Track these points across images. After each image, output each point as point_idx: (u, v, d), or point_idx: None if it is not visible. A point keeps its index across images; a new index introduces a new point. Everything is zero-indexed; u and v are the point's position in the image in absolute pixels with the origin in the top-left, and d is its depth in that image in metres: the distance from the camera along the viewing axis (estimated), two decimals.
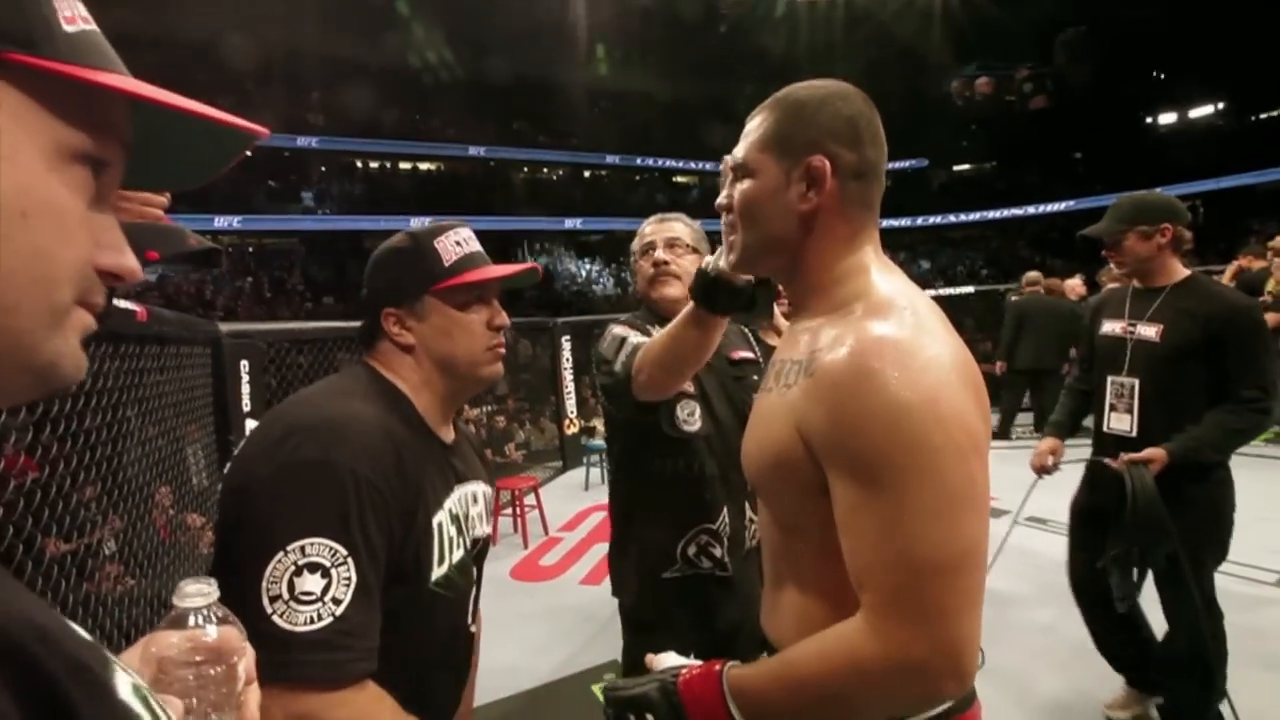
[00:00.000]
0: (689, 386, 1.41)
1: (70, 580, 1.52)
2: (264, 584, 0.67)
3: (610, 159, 22.22)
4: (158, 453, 1.94)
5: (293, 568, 0.67)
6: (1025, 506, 2.56)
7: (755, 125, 0.81)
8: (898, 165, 22.55)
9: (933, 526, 0.62)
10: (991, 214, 20.71)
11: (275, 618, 0.66)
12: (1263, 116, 18.42)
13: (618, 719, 0.75)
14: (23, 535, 1.30)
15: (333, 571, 0.68)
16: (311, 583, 0.67)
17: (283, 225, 17.10)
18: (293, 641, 0.66)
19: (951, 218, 21.78)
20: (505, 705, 2.36)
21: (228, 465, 0.81)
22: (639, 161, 22.66)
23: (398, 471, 0.76)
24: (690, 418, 1.41)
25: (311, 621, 0.66)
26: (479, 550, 0.94)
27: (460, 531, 0.87)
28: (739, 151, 0.81)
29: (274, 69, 17.59)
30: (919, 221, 21.39)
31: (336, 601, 0.68)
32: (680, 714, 0.72)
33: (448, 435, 0.93)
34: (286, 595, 0.66)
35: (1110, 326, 1.98)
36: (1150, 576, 1.92)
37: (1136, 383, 1.89)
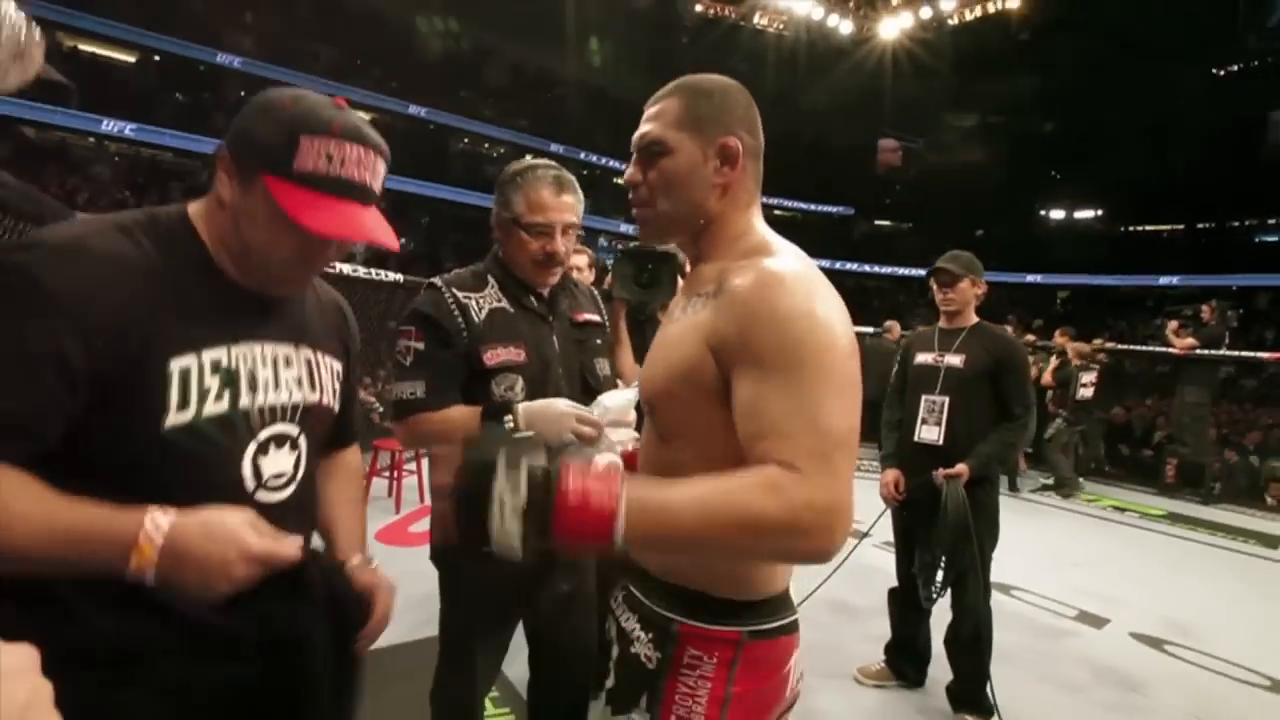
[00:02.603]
0: (517, 355, 1.37)
1: None
2: None
3: (555, 148, 21.93)
4: None
5: None
6: (877, 529, 2.79)
7: (663, 108, 0.90)
8: (827, 208, 23.87)
9: (836, 404, 0.75)
10: (901, 270, 22.36)
11: None
12: (1133, 229, 21.05)
13: (465, 489, 0.73)
14: None
15: None
16: None
17: (183, 144, 15.30)
18: None
19: (867, 267, 23.31)
20: None
21: None
22: (582, 156, 22.52)
23: (111, 292, 0.72)
24: (509, 392, 1.37)
25: None
26: (309, 417, 0.90)
27: (230, 385, 0.80)
28: (652, 132, 0.89)
29: None
30: (837, 265, 22.72)
31: None
32: (544, 515, 0.71)
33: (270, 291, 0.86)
34: None
35: (923, 358, 2.50)
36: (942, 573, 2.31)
37: (947, 399, 2.39)
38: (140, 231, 0.78)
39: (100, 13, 14.42)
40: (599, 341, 1.56)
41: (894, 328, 7.63)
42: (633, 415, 1.32)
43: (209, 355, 0.79)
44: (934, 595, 2.34)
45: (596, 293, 1.69)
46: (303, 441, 0.89)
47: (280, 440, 0.86)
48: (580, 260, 2.47)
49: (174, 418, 0.75)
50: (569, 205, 1.40)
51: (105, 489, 0.70)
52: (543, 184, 1.38)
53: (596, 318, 1.59)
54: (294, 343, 0.90)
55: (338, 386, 0.97)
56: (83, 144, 15.07)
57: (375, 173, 0.83)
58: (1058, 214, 22.96)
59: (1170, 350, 6.84)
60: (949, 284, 2.42)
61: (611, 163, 23.17)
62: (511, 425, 1.26)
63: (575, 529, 0.71)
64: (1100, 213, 21.98)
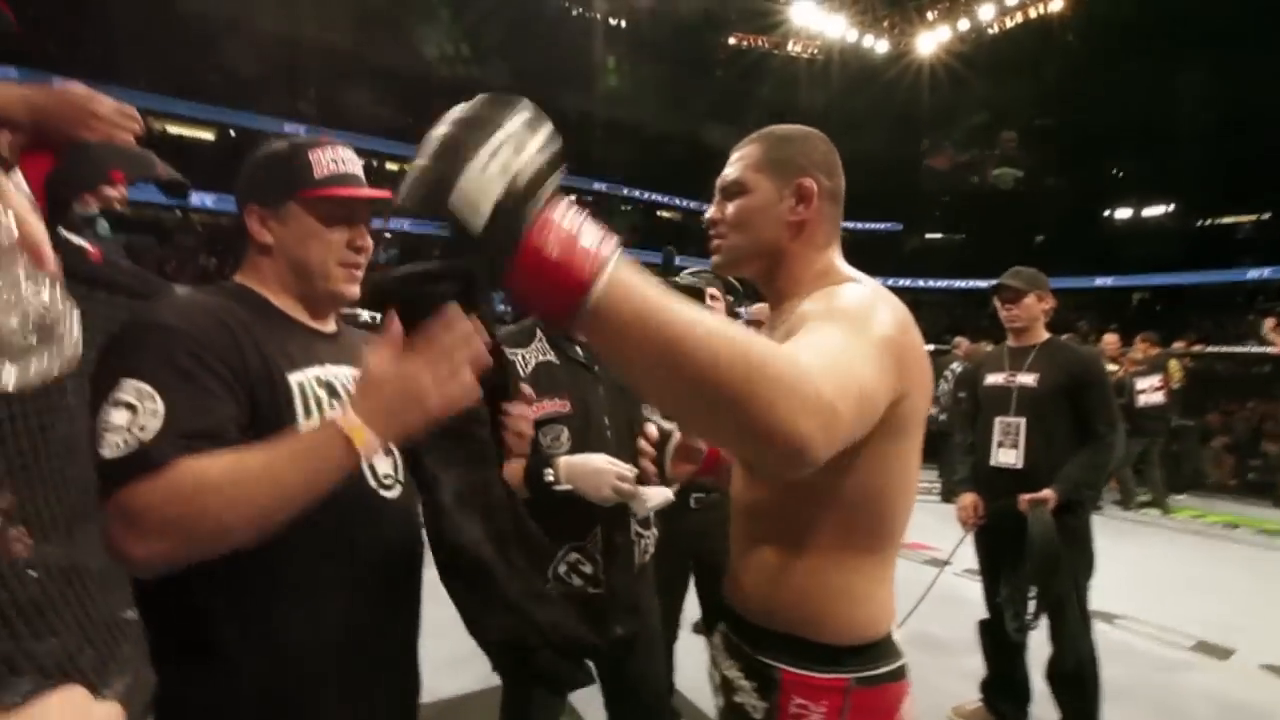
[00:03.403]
0: (562, 406, 1.39)
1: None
2: (97, 428, 0.75)
3: (598, 185, 22.49)
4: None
5: (107, 410, 0.75)
6: (959, 556, 2.64)
7: (745, 153, 0.97)
8: (875, 226, 23.40)
9: (862, 360, 0.72)
10: (958, 283, 21.61)
11: (98, 454, 0.73)
12: (1211, 222, 19.75)
13: (470, 115, 0.55)
14: None
15: (139, 405, 0.74)
16: (118, 416, 0.74)
17: None
18: (103, 468, 0.73)
19: (920, 282, 22.65)
20: None
21: None
22: (625, 192, 22.98)
23: (222, 327, 0.83)
24: (555, 443, 1.39)
25: (116, 449, 0.73)
26: None
27: (336, 396, 0.91)
28: (732, 173, 0.97)
29: (272, 54, 17.44)
30: (889, 282, 22.17)
31: (141, 429, 0.73)
32: (527, 203, 0.53)
33: (324, 327, 1.00)
34: (101, 432, 0.74)
35: (994, 379, 2.40)
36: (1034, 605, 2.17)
37: (1023, 421, 2.28)
38: (217, 295, 0.92)
39: (186, 96, 15.98)
40: None
41: (961, 343, 7.25)
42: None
43: (310, 373, 0.91)
44: (1024, 628, 2.20)
45: None
46: (393, 446, 0.97)
47: None
48: None
49: (304, 424, 0.86)
50: None
51: None
52: None
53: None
54: (359, 366, 1.00)
55: None
56: (171, 217, 16.47)
57: (359, 164, 1.00)
58: (1124, 213, 21.78)
59: (1269, 349, 6.31)
60: (1013, 300, 2.32)
61: (654, 196, 23.55)
62: (551, 479, 1.28)
63: (553, 245, 0.53)
64: (1172, 207, 20.73)
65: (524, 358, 1.42)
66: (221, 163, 16.88)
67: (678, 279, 1.98)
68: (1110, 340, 6.62)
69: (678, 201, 23.83)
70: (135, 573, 0.75)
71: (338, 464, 0.72)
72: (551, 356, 1.44)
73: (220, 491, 0.70)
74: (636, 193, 23.14)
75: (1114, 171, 21.85)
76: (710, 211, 0.99)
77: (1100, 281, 18.99)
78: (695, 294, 1.83)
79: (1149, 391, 5.82)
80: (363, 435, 0.71)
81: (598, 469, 1.28)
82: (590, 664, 1.49)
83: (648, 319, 0.54)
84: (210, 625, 0.80)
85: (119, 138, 0.96)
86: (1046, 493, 2.15)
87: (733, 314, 2.62)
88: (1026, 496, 2.17)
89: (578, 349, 1.47)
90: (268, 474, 0.72)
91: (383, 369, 0.72)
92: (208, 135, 18.20)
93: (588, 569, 1.39)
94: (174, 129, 17.03)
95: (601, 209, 23.48)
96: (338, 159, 0.96)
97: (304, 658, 0.83)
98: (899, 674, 0.88)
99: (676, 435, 1.18)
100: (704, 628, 2.23)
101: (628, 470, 1.30)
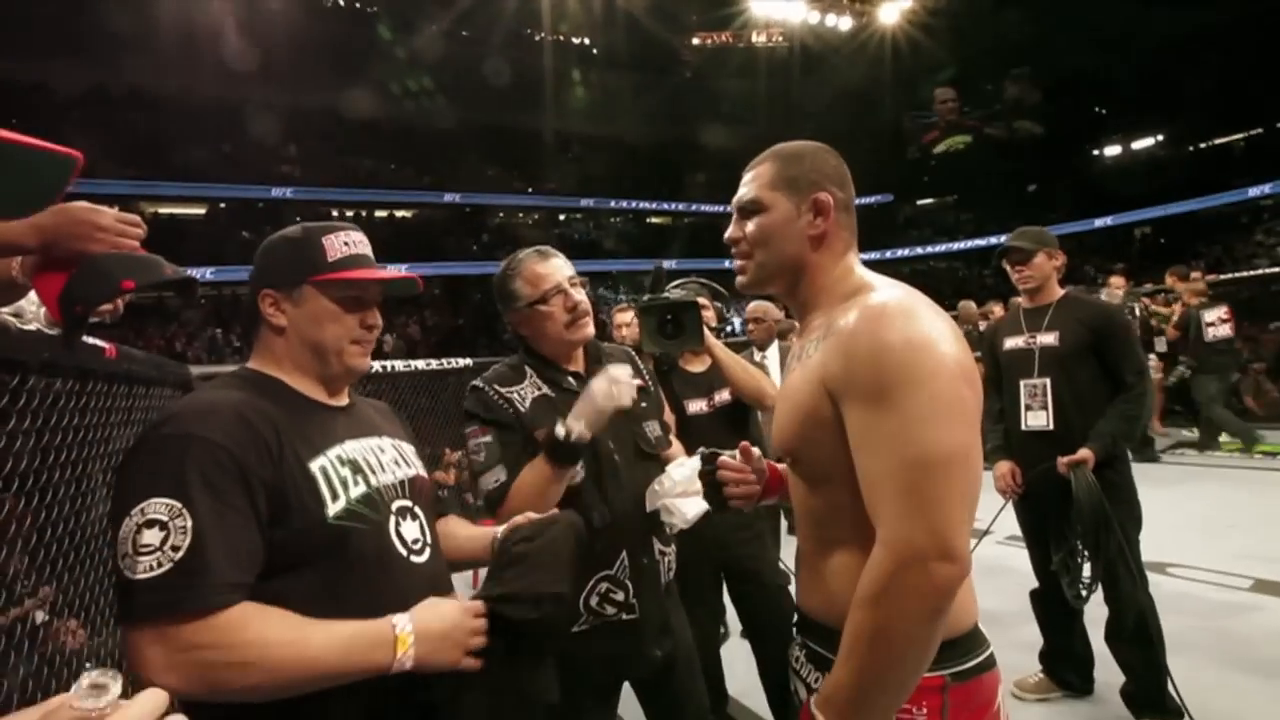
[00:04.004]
0: None
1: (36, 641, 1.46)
2: (118, 548, 0.76)
3: (585, 202, 22.61)
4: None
5: (135, 528, 0.76)
6: (1000, 525, 2.60)
7: (758, 173, 1.00)
8: (865, 200, 23.31)
9: (924, 429, 0.76)
10: (956, 245, 21.45)
11: (124, 571, 0.75)
12: (1201, 146, 19.49)
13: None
14: None
15: (170, 524, 0.76)
16: (149, 536, 0.75)
17: None
18: (134, 587, 0.74)
19: (919, 250, 22.50)
20: None
21: None
22: (613, 204, 23.07)
23: (246, 428, 0.85)
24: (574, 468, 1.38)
25: (150, 570, 0.74)
26: (415, 489, 1.03)
27: (359, 472, 0.94)
28: (749, 194, 0.99)
29: (248, 122, 17.74)
30: (889, 254, 22.04)
31: (175, 549, 0.75)
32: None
33: (338, 402, 1.02)
34: (131, 551, 0.75)
35: (1013, 342, 2.34)
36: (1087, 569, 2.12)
37: (1048, 381, 2.23)
38: (232, 387, 0.94)
39: (173, 178, 16.31)
40: (644, 405, 1.56)
41: (968, 307, 7.02)
42: (698, 484, 1.35)
43: (332, 453, 0.93)
44: (1083, 593, 2.16)
45: (633, 352, 1.70)
46: (419, 510, 1.02)
47: (403, 512, 0.99)
48: (624, 318, 2.50)
49: (332, 507, 0.88)
50: (560, 265, 1.47)
51: (301, 581, 0.84)
52: (529, 261, 1.46)
53: (637, 381, 1.58)
54: (375, 435, 1.04)
55: (420, 462, 1.10)
56: (174, 297, 16.71)
57: (369, 246, 1.04)
58: (1113, 149, 21.56)
59: None
60: (1023, 261, 2.27)
61: (642, 205, 23.61)
62: (564, 433, 1.28)
63: None
64: (1161, 137, 20.51)
65: (520, 394, 1.42)
66: (215, 235, 17.18)
67: (668, 294, 1.98)
68: (1116, 282, 6.49)
69: (665, 205, 23.89)
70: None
71: (378, 666, 0.81)
72: (547, 390, 1.45)
73: (273, 656, 0.76)
74: (624, 203, 23.20)
75: (1095, 109, 21.65)
76: (730, 231, 1.02)
77: (1100, 222, 18.79)
78: (689, 306, 1.83)
79: (1217, 324, 5.53)
80: (408, 648, 0.82)
81: (604, 384, 1.29)
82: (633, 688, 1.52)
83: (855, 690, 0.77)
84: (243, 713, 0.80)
85: (124, 245, 0.98)
86: (1084, 452, 2.10)
87: (722, 319, 2.62)
88: (1064, 459, 2.11)
89: (570, 379, 1.47)
90: (318, 654, 0.78)
91: (455, 612, 0.86)
92: (199, 210, 18.51)
93: (619, 596, 1.38)
94: (165, 209, 17.33)
95: (592, 225, 23.61)
96: (350, 241, 0.99)
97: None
98: (990, 662, 0.86)
99: (725, 455, 1.19)
100: (748, 635, 2.20)
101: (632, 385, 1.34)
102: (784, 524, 3.08)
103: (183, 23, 16.94)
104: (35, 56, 14.45)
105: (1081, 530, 2.07)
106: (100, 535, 1.72)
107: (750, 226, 0.98)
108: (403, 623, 0.83)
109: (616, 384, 1.30)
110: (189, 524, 0.76)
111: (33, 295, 1.06)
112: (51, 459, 1.41)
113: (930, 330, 0.81)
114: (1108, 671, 2.25)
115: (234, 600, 0.77)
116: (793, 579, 2.31)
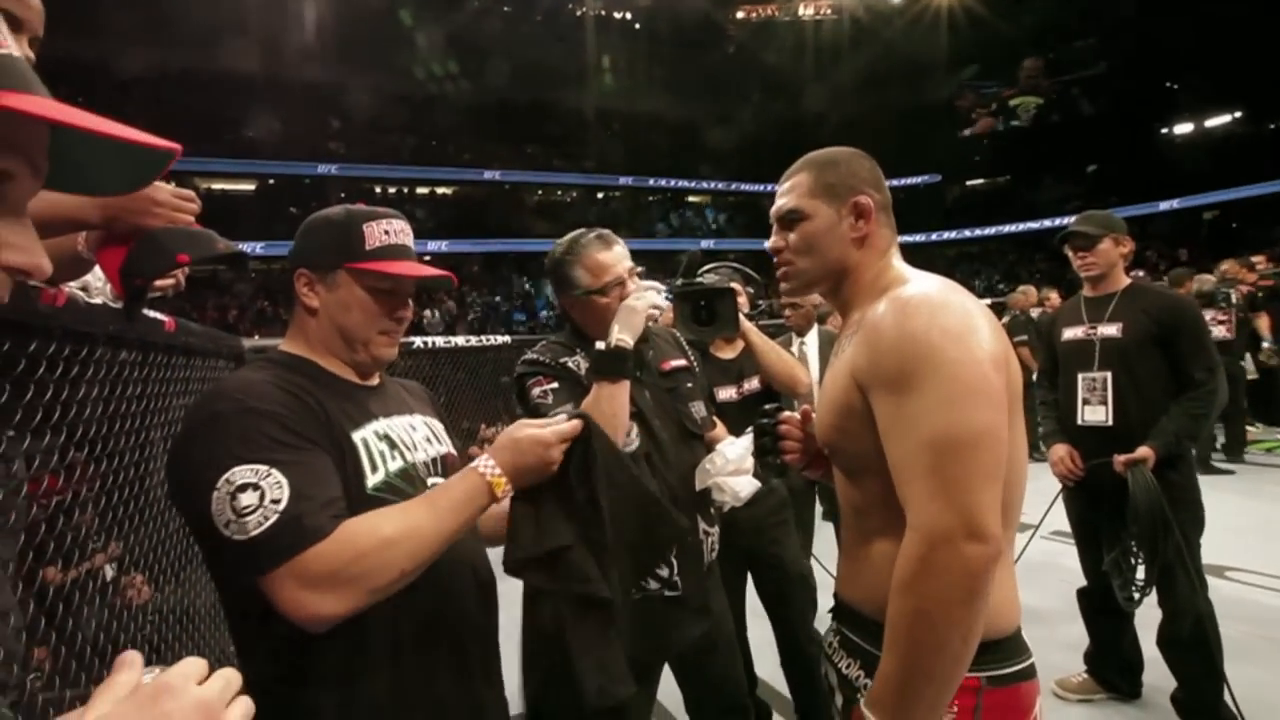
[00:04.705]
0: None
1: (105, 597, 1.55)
2: (214, 521, 0.77)
3: (624, 180, 22.46)
4: None
5: (228, 496, 0.78)
6: (1048, 519, 2.52)
7: (795, 182, 1.01)
8: (910, 181, 22.53)
9: (946, 411, 0.76)
10: (1007, 228, 20.61)
11: (234, 536, 0.77)
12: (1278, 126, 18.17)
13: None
14: (61, 554, 1.34)
15: (261, 484, 0.79)
16: (246, 499, 0.77)
17: None
18: (254, 544, 0.76)
19: (966, 233, 21.69)
20: None
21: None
22: (650, 182, 22.87)
23: (292, 397, 0.88)
24: (629, 436, 1.38)
25: (260, 523, 0.77)
26: (446, 467, 1.05)
27: (395, 448, 0.96)
28: (788, 203, 1.01)
29: (297, 101, 18.13)
30: (933, 237, 21.33)
31: (275, 501, 0.78)
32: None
33: (370, 382, 1.04)
34: (233, 516, 0.77)
35: (1072, 332, 2.23)
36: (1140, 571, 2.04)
37: (1109, 375, 2.12)
38: (266, 368, 0.95)
39: (226, 154, 16.86)
40: (689, 385, 1.56)
41: (1029, 292, 6.47)
42: (750, 461, 1.37)
43: (370, 428, 0.95)
44: (1136, 597, 2.06)
45: (678, 335, 1.69)
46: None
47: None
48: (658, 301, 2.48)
49: (372, 478, 0.91)
50: (622, 254, 1.44)
51: None
52: (591, 249, 1.42)
53: (683, 361, 1.59)
54: (408, 413, 1.05)
55: (449, 439, 1.13)
56: (226, 270, 17.36)
57: (410, 235, 1.03)
58: (1184, 128, 20.27)
59: None
60: (1087, 247, 2.15)
61: (680, 183, 23.34)
62: (603, 346, 1.31)
63: None
64: (1239, 114, 19.16)
65: (576, 364, 1.43)
66: (265, 210, 17.71)
67: (701, 279, 1.95)
68: (1229, 266, 5.72)
69: (704, 184, 23.56)
70: (315, 629, 0.78)
71: (484, 507, 0.88)
72: None
73: (399, 545, 0.80)
74: (663, 181, 22.97)
75: (1167, 84, 20.33)
76: (772, 241, 1.04)
77: (1165, 205, 17.77)
78: (725, 293, 1.80)
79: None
80: (502, 484, 0.89)
81: (633, 303, 1.33)
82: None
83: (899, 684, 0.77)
84: (301, 652, 0.83)
85: (180, 220, 1.02)
86: (1143, 450, 1.99)
87: (754, 305, 2.56)
88: (1122, 458, 2.01)
89: None
90: (434, 524, 0.84)
91: (527, 437, 0.92)
92: (249, 186, 19.08)
93: (663, 572, 1.39)
94: (219, 185, 17.93)
95: (628, 205, 23.46)
96: (390, 230, 0.98)
97: (389, 671, 0.88)
98: (1031, 672, 0.85)
99: (787, 413, 1.19)
100: (771, 619, 2.18)
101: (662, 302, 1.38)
102: (818, 509, 3.05)
103: (235, 5, 17.36)
104: (97, 37, 14.99)
105: (1138, 531, 1.97)
106: (162, 500, 1.82)
107: (793, 235, 1.00)
108: (488, 466, 0.89)
109: (641, 293, 1.34)
110: (280, 477, 0.79)
111: (99, 270, 1.10)
112: (118, 426, 1.49)
113: (959, 320, 0.81)
114: (1157, 675, 2.17)
115: (342, 518, 0.81)
116: (814, 567, 2.27)
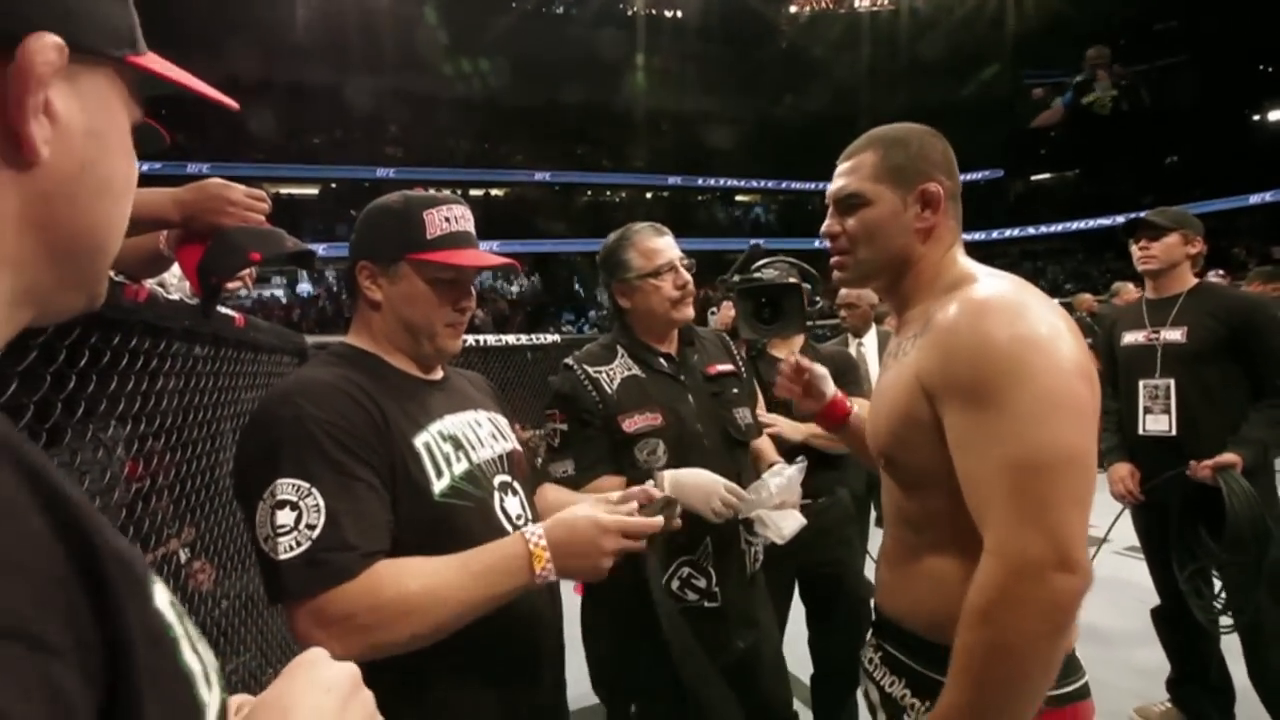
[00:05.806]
0: (654, 419, 1.36)
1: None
2: (258, 530, 0.79)
3: (673, 180, 22.43)
4: None
5: (270, 511, 0.78)
6: (1117, 532, 2.36)
7: (858, 162, 0.92)
8: (971, 176, 21.60)
9: (1034, 429, 0.70)
10: (1075, 225, 19.54)
11: (268, 553, 0.78)
12: None
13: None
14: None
15: (301, 504, 0.78)
16: (283, 517, 0.78)
17: None
18: (280, 569, 0.77)
19: (1031, 230, 20.68)
20: None
21: None
22: (700, 182, 22.75)
23: (352, 403, 0.85)
24: (651, 456, 1.35)
25: (290, 550, 0.77)
26: (513, 463, 1.03)
27: (460, 448, 0.94)
28: (849, 185, 0.92)
29: (355, 109, 18.90)
30: (995, 235, 20.43)
31: (310, 527, 0.78)
32: None
33: (434, 376, 1.01)
34: (271, 533, 0.78)
35: (1132, 337, 2.09)
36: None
37: (1171, 383, 1.98)
38: (332, 364, 0.94)
39: (291, 160, 17.75)
40: (735, 391, 1.51)
41: (1085, 299, 6.26)
42: (797, 494, 1.29)
43: (433, 429, 0.92)
44: (1216, 613, 1.89)
45: (727, 338, 1.64)
46: (518, 485, 1.02)
47: (504, 487, 0.99)
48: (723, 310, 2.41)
49: (438, 484, 0.88)
50: (672, 242, 1.46)
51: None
52: (644, 235, 1.45)
53: (730, 366, 1.54)
54: (472, 409, 1.03)
55: (513, 434, 1.11)
56: (293, 269, 18.28)
57: (471, 220, 0.99)
58: (1278, 114, 18.75)
59: None
60: (1153, 238, 2.00)
61: (731, 182, 23.13)
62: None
63: None
64: None
65: (609, 374, 1.40)
66: (327, 213, 18.51)
67: (759, 274, 1.89)
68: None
69: (756, 183, 23.27)
70: None
71: (519, 585, 0.81)
72: (637, 370, 1.42)
73: (419, 605, 0.78)
74: (712, 181, 22.82)
75: (1260, 66, 18.84)
76: (827, 225, 0.95)
77: (1255, 199, 16.49)
78: (790, 290, 1.74)
79: None
80: (544, 562, 0.81)
81: (706, 482, 1.25)
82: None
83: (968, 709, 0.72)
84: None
85: (252, 219, 1.05)
86: (1229, 456, 1.82)
87: (811, 302, 2.48)
88: (1206, 462, 1.84)
89: (661, 360, 1.44)
90: (460, 591, 0.79)
91: (588, 520, 0.84)
92: (313, 191, 20.00)
93: (701, 583, 1.35)
94: (285, 190, 18.87)
95: (677, 204, 23.40)
96: (451, 217, 0.95)
97: (457, 663, 0.87)
98: (1085, 692, 0.81)
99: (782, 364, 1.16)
100: (815, 637, 2.04)
101: (736, 488, 1.27)
102: (873, 515, 2.95)
103: (300, 19, 18.29)
104: (176, 50, 15.94)
105: (1232, 541, 1.79)
106: (230, 489, 1.91)
107: (851, 221, 0.91)
108: (537, 536, 0.82)
109: (723, 500, 1.24)
110: (319, 502, 0.78)
111: (175, 269, 1.16)
112: (191, 417, 1.57)
113: (1041, 326, 0.74)
114: (1251, 706, 1.98)
115: (374, 558, 0.79)
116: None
